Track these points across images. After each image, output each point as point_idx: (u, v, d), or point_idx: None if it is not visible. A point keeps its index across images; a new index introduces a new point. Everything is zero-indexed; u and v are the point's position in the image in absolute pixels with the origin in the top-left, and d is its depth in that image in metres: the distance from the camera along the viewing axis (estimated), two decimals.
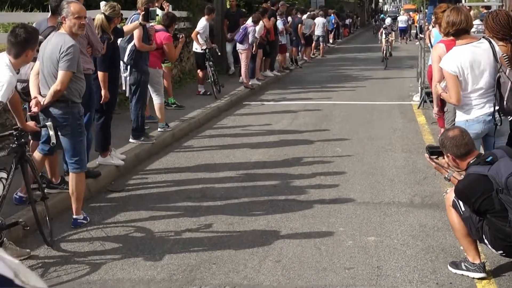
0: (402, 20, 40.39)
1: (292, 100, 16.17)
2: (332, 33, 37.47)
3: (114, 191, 8.23)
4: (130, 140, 10.25)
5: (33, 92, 6.81)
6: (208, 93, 15.59)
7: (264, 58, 19.71)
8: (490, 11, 8.35)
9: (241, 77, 17.90)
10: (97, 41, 7.90)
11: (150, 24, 10.03)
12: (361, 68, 23.63)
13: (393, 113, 14.14)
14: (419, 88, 15.24)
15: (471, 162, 5.35)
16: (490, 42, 6.23)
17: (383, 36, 26.37)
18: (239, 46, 17.51)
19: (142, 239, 6.56)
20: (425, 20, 15.64)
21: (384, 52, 25.15)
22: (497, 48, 6.23)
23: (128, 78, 9.95)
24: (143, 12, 9.69)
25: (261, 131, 12.18)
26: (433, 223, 6.81)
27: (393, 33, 27.27)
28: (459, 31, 6.22)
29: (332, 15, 37.14)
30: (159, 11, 13.05)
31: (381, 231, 6.67)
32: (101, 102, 8.57)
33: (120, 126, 11.01)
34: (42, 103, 6.53)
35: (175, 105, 13.88)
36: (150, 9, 9.76)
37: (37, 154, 7.12)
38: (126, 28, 9.56)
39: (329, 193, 8.00)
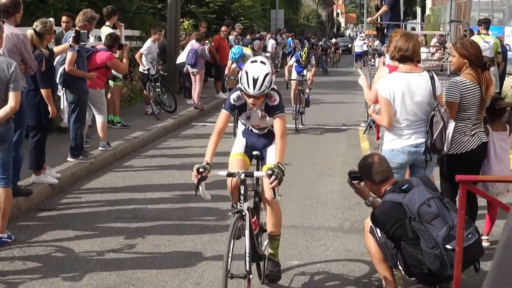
0: (357, 45, 40.87)
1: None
2: (289, 56, 37.72)
3: (45, 210, 8.16)
4: (68, 158, 10.17)
5: None
6: (156, 113, 15.57)
7: (215, 80, 19.89)
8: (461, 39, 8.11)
9: (187, 99, 18.06)
10: (30, 58, 7.86)
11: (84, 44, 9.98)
12: (314, 92, 23.72)
13: (339, 138, 14.28)
14: (366, 113, 15.40)
15: (387, 189, 5.44)
16: (432, 77, 6.27)
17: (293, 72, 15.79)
18: (191, 70, 17.44)
19: (64, 259, 6.51)
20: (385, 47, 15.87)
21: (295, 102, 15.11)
22: (437, 84, 6.26)
23: (64, 97, 9.92)
24: (74, 34, 9.64)
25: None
26: (359, 248, 6.86)
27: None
28: (403, 58, 6.25)
29: (290, 38, 37.42)
30: (109, 30, 13.06)
31: (306, 255, 6.71)
32: (50, 117, 8.60)
33: (60, 144, 10.96)
34: None
35: (120, 124, 13.83)
36: (81, 31, 9.68)
37: None
38: (56, 49, 9.50)
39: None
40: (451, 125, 6.07)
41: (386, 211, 5.30)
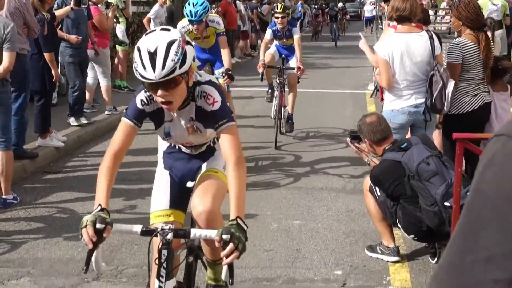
0: (368, 9, 40.46)
1: (248, 87, 16.18)
2: (299, 21, 37.45)
3: (50, 173, 8.23)
4: (70, 121, 10.19)
5: None
6: None
7: None
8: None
9: None
10: (33, 21, 7.87)
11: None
12: (323, 56, 23.74)
13: (346, 102, 14.26)
14: (374, 77, 15.36)
15: (386, 148, 5.46)
16: (431, 37, 6.26)
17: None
18: None
19: (69, 219, 6.59)
20: None
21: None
22: (437, 43, 6.26)
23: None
24: None
25: None
26: (360, 208, 6.90)
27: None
28: (401, 18, 6.24)
29: (299, 3, 37.14)
30: None
31: (308, 215, 6.77)
32: (53, 80, 8.66)
33: (66, 109, 11.01)
34: None
35: (127, 89, 13.84)
36: None
37: None
38: (57, 12, 9.46)
39: (264, 178, 8.08)
40: (451, 84, 6.07)
41: (385, 169, 5.34)
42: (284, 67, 9.96)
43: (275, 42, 10.40)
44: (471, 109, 6.33)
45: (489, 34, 6.62)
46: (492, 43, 6.56)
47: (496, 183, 1.00)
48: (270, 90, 10.87)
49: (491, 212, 0.99)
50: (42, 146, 8.82)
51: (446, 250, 1.06)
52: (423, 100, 6.20)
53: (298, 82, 10.31)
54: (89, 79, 11.01)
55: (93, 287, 5.07)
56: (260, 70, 9.78)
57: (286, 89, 10.41)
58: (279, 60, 10.29)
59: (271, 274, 5.31)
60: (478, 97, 6.34)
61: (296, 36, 9.91)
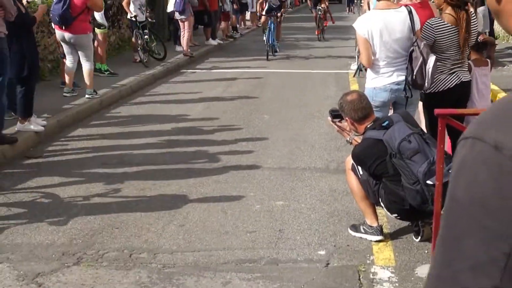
0: None
1: (230, 68, 16.10)
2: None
3: (30, 158, 8.13)
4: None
5: None
6: (145, 60, 15.43)
7: (205, 27, 19.80)
8: None
9: (177, 46, 17.95)
10: (10, 4, 7.73)
11: None
12: (305, 37, 23.62)
13: (328, 81, 14.20)
14: (356, 57, 15.31)
15: (368, 126, 5.42)
16: (410, 12, 6.21)
17: None
18: (179, 16, 17.23)
19: (49, 204, 6.51)
20: None
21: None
22: (416, 18, 6.21)
23: None
24: None
25: (193, 98, 12.12)
26: (344, 188, 6.84)
27: None
28: None
29: None
30: None
31: (291, 195, 6.72)
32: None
33: (46, 93, 10.92)
34: None
35: (108, 72, 13.72)
36: None
37: None
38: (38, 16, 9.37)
39: (247, 159, 8.02)
40: (431, 60, 6.01)
41: (367, 148, 5.29)
42: None
43: None
44: (447, 87, 6.30)
45: (472, 10, 6.58)
46: (475, 22, 6.51)
47: (468, 189, 0.97)
48: None
49: (468, 219, 0.96)
50: (22, 131, 8.70)
51: (431, 261, 1.03)
52: (404, 77, 6.17)
53: None
54: (69, 63, 10.90)
55: (74, 272, 4.99)
56: None
57: None
58: None
59: (254, 256, 5.27)
60: (454, 76, 6.31)
61: None
